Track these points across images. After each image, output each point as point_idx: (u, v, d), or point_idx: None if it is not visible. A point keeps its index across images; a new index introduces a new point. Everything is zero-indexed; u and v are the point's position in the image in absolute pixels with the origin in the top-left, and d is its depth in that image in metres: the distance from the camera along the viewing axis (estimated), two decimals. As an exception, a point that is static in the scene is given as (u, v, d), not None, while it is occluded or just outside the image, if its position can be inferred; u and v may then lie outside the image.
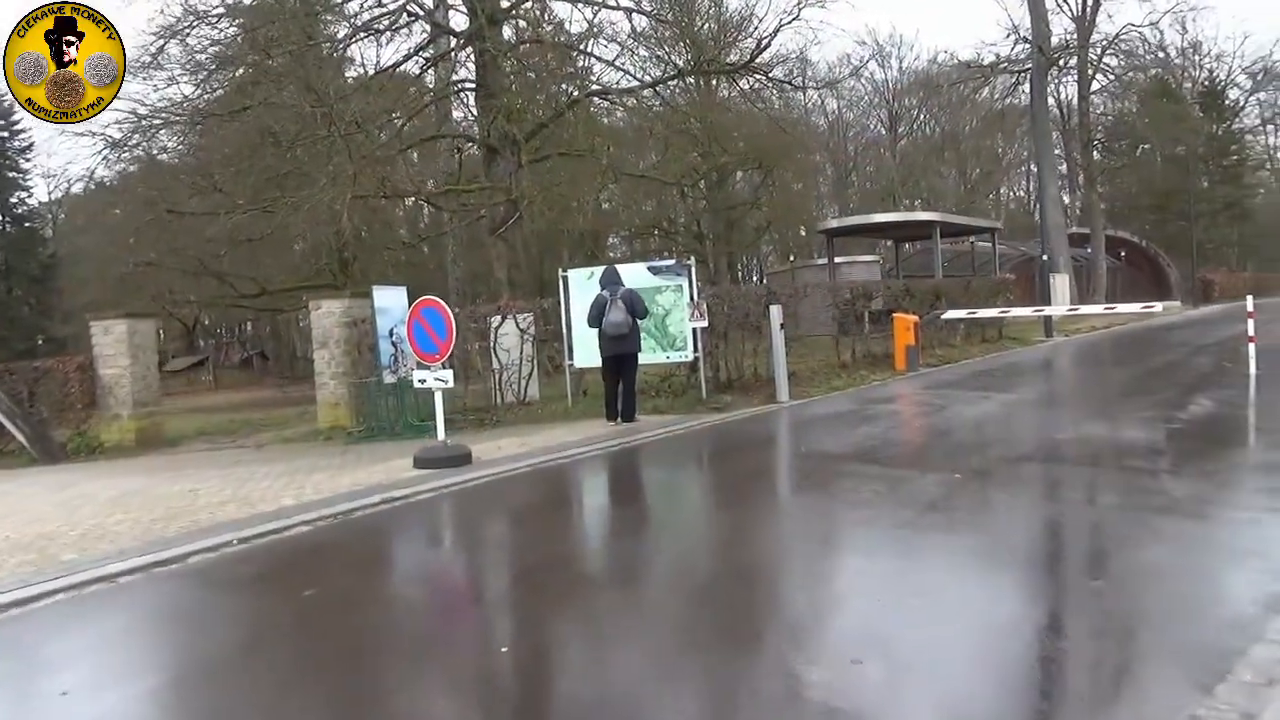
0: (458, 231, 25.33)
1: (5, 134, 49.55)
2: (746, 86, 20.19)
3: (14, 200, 50.97)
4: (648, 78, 19.01)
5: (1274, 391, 11.38)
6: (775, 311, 13.06)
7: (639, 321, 11.63)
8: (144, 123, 17.31)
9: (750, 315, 13.90)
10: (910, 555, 5.26)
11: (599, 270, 13.38)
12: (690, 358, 12.78)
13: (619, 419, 11.72)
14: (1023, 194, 69.26)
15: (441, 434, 9.52)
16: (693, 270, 12.71)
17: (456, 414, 13.22)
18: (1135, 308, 18.91)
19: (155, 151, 20.75)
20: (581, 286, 13.05)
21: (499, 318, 13.79)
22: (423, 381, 9.54)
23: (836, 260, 31.59)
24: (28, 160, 50.81)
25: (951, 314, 16.92)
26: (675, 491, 8.22)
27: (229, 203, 16.35)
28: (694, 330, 12.65)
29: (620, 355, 11.57)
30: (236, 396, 32.02)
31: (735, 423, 11.55)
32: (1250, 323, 13.62)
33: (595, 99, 19.70)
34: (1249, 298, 14.21)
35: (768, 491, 7.82)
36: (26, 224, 51.22)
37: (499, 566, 6.02)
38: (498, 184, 18.07)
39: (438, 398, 9.54)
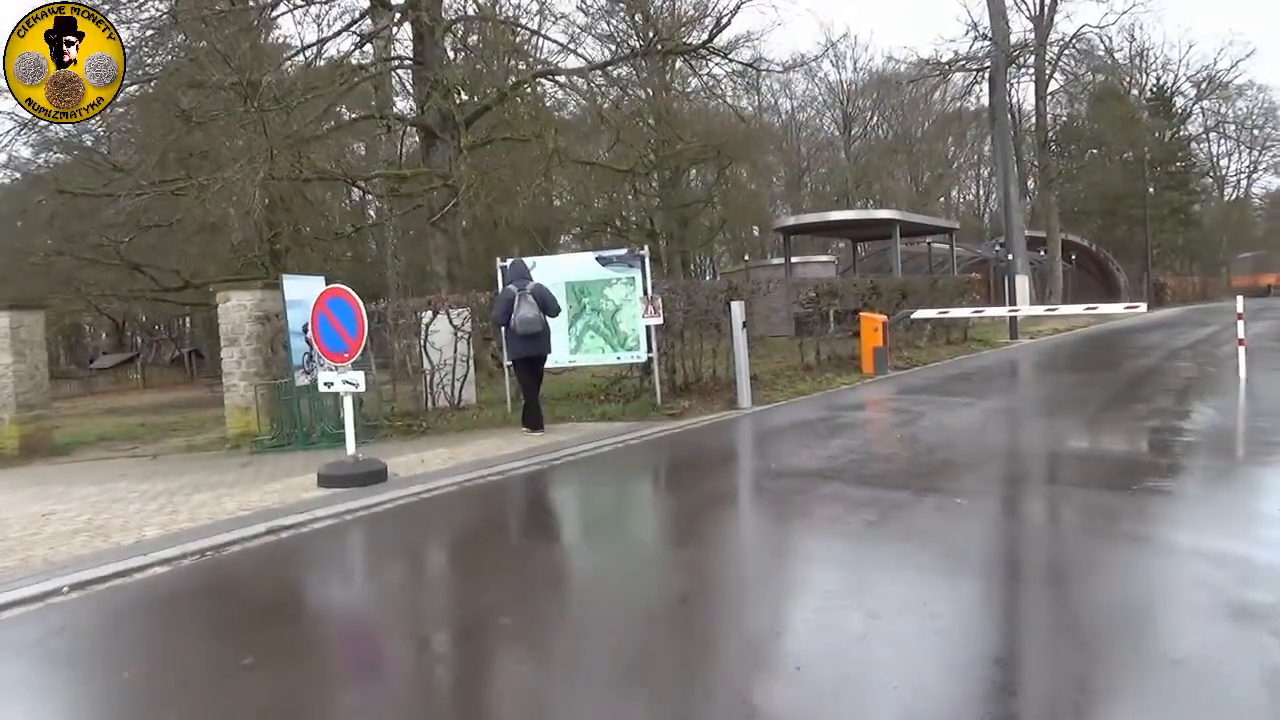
0: (397, 223, 23.71)
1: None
2: (705, 73, 18.91)
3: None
4: (600, 59, 17.65)
5: (1276, 399, 10.35)
6: (737, 308, 11.74)
7: (550, 319, 10.37)
8: None
9: (709, 312, 12.57)
10: (932, 616, 3.93)
11: (543, 260, 11.97)
12: (643, 359, 11.40)
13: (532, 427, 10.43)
14: (972, 197, 69.22)
15: (351, 446, 8.03)
16: (646, 261, 11.34)
17: (381, 420, 11.70)
18: (1118, 308, 17.97)
19: (74, 134, 18.92)
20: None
21: (430, 313, 12.28)
22: (329, 385, 8.04)
23: (792, 260, 30.46)
24: None
25: (922, 313, 15.78)
26: (623, 522, 6.83)
27: (130, 183, 14.64)
28: (647, 328, 11.28)
29: (534, 357, 10.33)
30: (162, 396, 30.01)
31: (694, 432, 10.20)
32: (1240, 324, 12.63)
33: (543, 83, 18.27)
34: (1239, 298, 13.26)
35: (735, 522, 6.46)
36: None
37: (395, 630, 4.58)
38: (436, 170, 16.55)
39: (347, 404, 8.05)
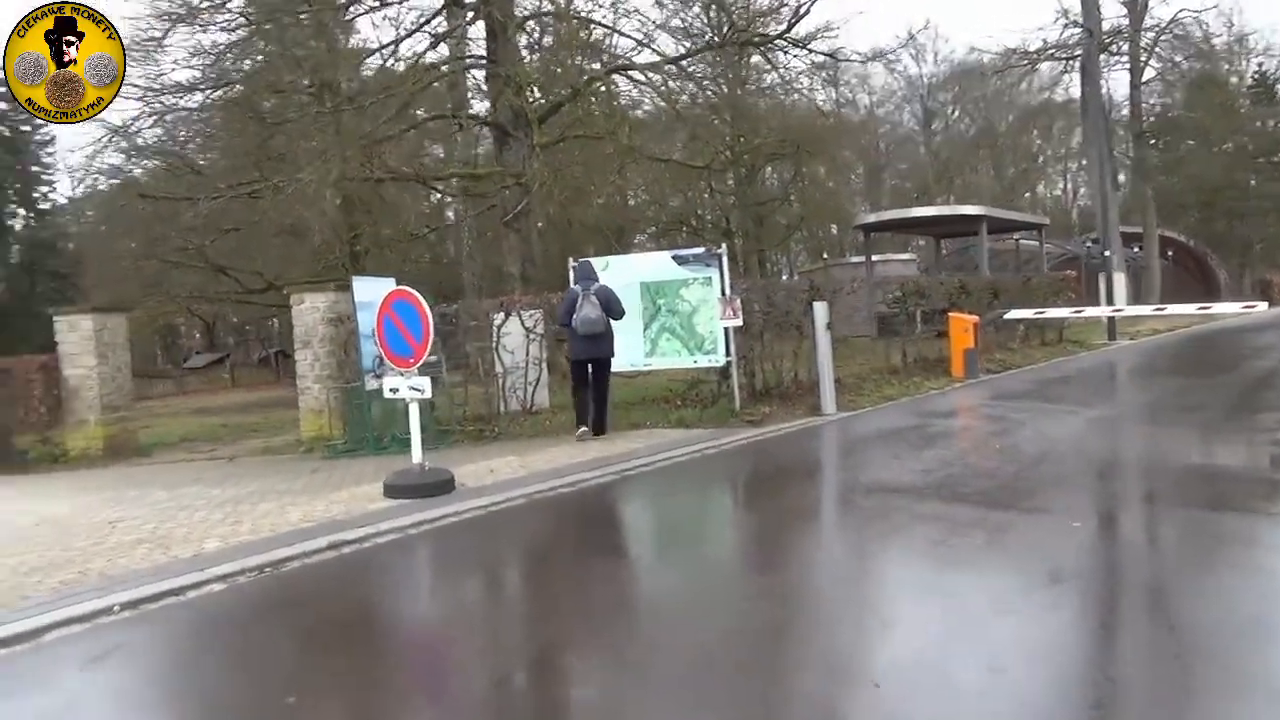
0: (473, 224, 23.57)
1: (27, 128, 48.50)
2: (783, 66, 18.27)
3: (36, 195, 49.95)
4: (675, 54, 17.12)
5: None
6: (820, 309, 11.13)
7: (613, 323, 10.05)
8: (148, 105, 15.65)
9: (790, 313, 11.96)
10: (1059, 666, 3.33)
11: (613, 260, 11.52)
12: (721, 362, 10.87)
13: (589, 430, 10.10)
14: (1059, 193, 66.73)
15: (417, 454, 7.68)
16: (724, 260, 10.80)
17: (452, 425, 11.39)
18: (1234, 307, 16.77)
19: (164, 139, 19.18)
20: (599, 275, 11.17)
21: (501, 314, 11.95)
22: (394, 391, 7.71)
23: (873, 259, 29.54)
24: (49, 155, 49.62)
25: (1016, 314, 14.91)
26: (700, 542, 6.31)
27: (208, 186, 14.68)
28: (726, 330, 10.74)
29: (596, 359, 10.04)
30: (249, 396, 30.57)
31: (775, 440, 9.63)
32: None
33: (617, 81, 17.81)
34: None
35: (824, 545, 5.89)
36: (49, 218, 49.99)
37: (458, 657, 4.16)
38: (508, 169, 16.26)
39: (413, 411, 7.70)
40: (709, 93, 20.19)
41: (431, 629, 4.73)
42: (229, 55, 15.97)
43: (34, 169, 48.80)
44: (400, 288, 7.81)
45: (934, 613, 4.17)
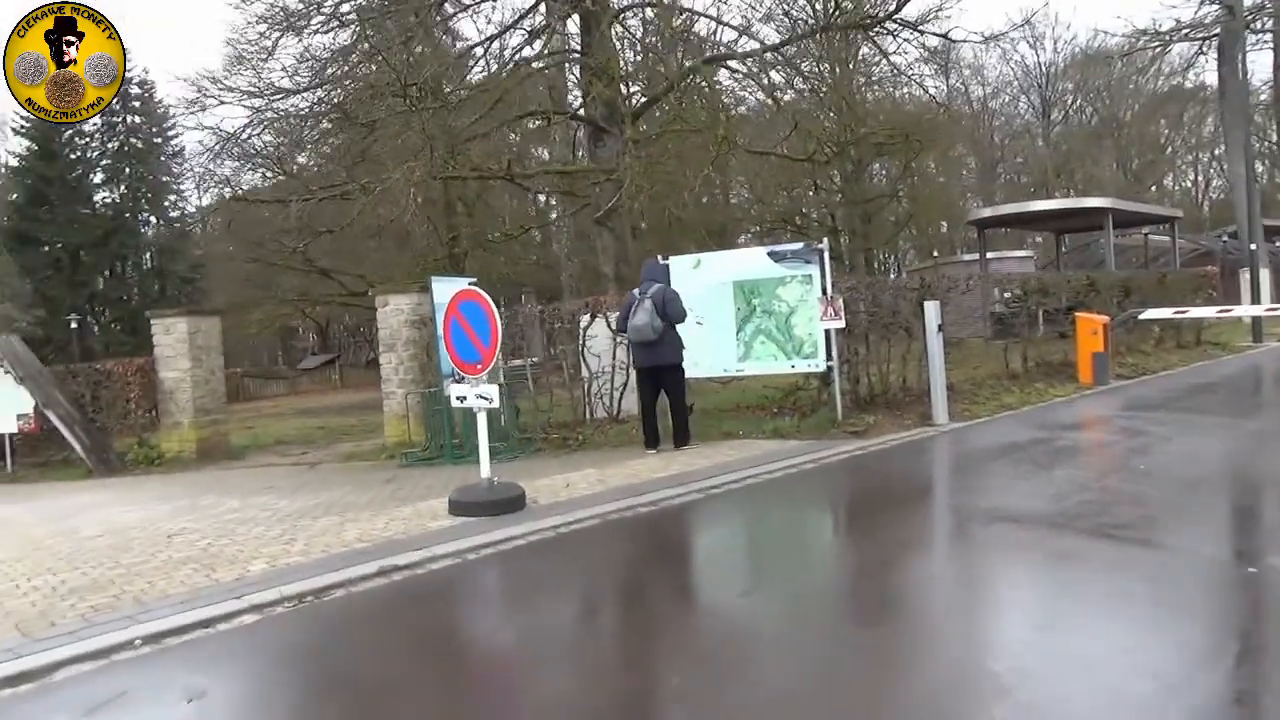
0: (569, 224, 23.13)
1: (159, 140, 50.66)
2: (893, 52, 17.11)
3: (166, 204, 52.15)
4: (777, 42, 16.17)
5: None
6: (931, 309, 10.10)
7: (674, 326, 9.21)
8: (256, 114, 15.61)
9: (898, 313, 10.94)
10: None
11: (708, 257, 10.73)
12: (822, 367, 9.94)
13: (658, 446, 9.32)
14: (1189, 184, 62.57)
15: (485, 468, 7.05)
16: (825, 255, 9.87)
17: (536, 433, 10.78)
18: None
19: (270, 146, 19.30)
20: (686, 277, 10.40)
21: (588, 316, 11.29)
22: (461, 399, 7.10)
23: (988, 256, 27.90)
24: (179, 164, 51.66)
25: (1153, 313, 13.46)
26: (793, 578, 5.46)
27: (300, 188, 14.53)
28: (827, 332, 9.81)
29: (654, 367, 9.25)
30: (354, 397, 30.86)
31: (881, 455, 8.67)
32: None
33: (719, 75, 16.98)
34: None
35: (939, 588, 4.96)
36: (177, 226, 52.11)
37: (508, 710, 3.47)
38: (602, 165, 15.63)
39: (481, 421, 7.08)
40: (814, 84, 19.14)
41: (480, 676, 4.05)
42: (334, 62, 15.86)
43: (164, 179, 51.02)
44: (468, 287, 7.20)
45: (1079, 691, 3.24)
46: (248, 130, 16.79)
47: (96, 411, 13.62)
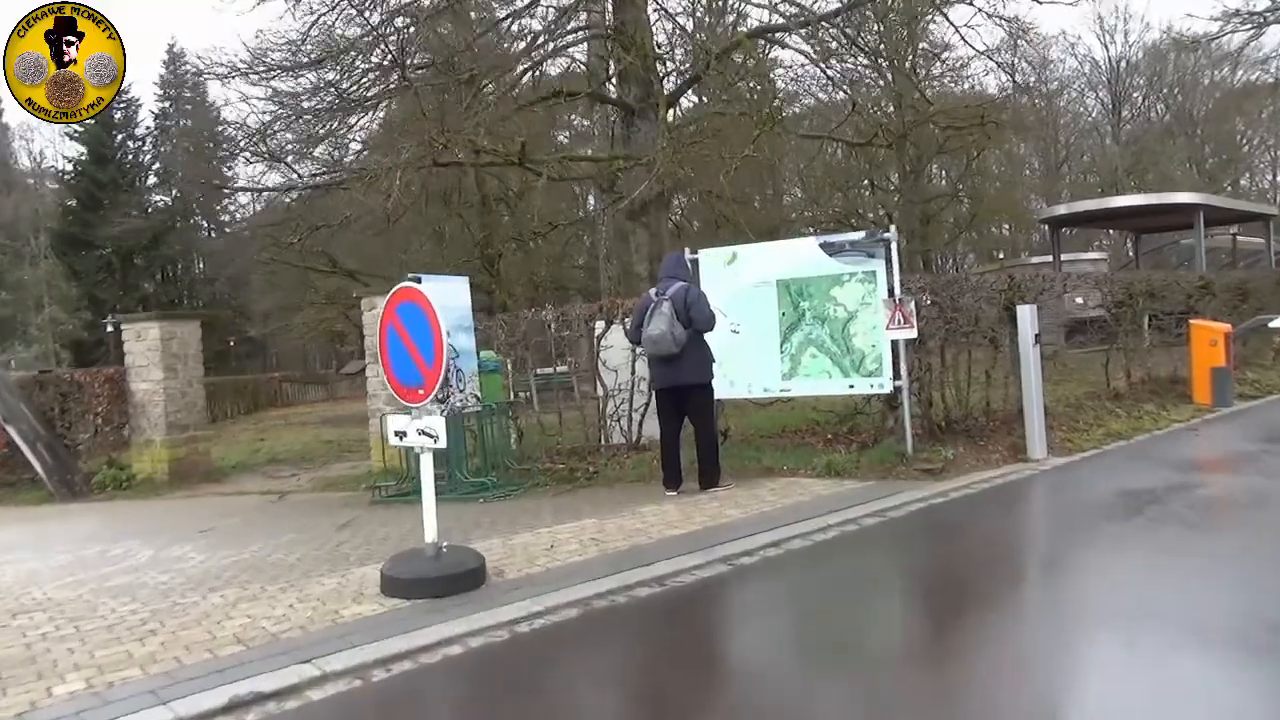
0: (606, 222, 21.19)
1: (210, 144, 49.97)
2: (962, 21, 14.83)
3: (218, 208, 51.45)
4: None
5: None
6: (1026, 315, 7.93)
7: (701, 335, 7.20)
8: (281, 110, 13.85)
9: (980, 320, 8.75)
10: None
11: (746, 250, 8.67)
12: (887, 387, 7.80)
13: (680, 487, 7.31)
14: (1265, 184, 58.58)
15: (431, 532, 5.09)
16: (892, 247, 7.74)
17: (536, 466, 8.82)
18: None
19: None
20: (718, 275, 8.36)
21: (602, 323, 9.31)
22: (400, 436, 5.16)
23: (1061, 257, 25.37)
24: (230, 170, 50.87)
25: (1287, 321, 11.08)
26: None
27: (289, 178, 12.88)
28: (893, 344, 7.70)
29: (675, 388, 7.19)
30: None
31: (966, 506, 6.53)
32: None
33: (758, 48, 14.89)
34: None
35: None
36: (229, 230, 51.35)
37: None
38: (630, 152, 13.67)
39: (425, 465, 5.13)
40: (873, 60, 16.88)
41: None
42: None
43: (215, 183, 50.30)
44: (405, 284, 5.24)
45: None
46: (270, 126, 15.21)
47: (66, 427, 12.02)
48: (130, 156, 47.36)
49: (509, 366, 10.18)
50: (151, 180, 48.54)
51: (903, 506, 6.45)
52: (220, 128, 45.83)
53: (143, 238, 44.48)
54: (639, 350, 8.10)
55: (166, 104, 48.78)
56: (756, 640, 4.37)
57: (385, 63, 12.21)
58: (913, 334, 7.62)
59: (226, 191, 48.26)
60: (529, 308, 12.45)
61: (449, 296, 8.72)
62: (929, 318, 8.18)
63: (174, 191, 49.17)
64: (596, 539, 5.92)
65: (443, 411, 8.32)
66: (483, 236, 23.40)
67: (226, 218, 52.25)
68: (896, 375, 7.72)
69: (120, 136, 46.62)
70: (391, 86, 11.12)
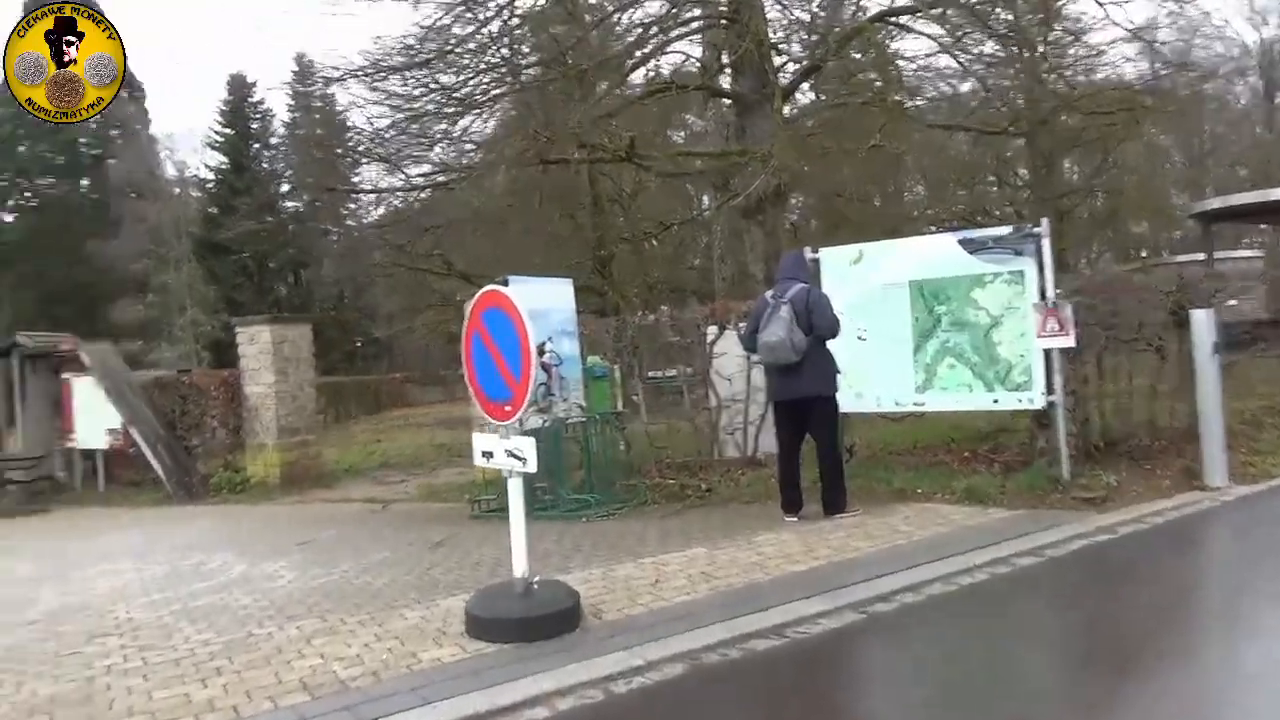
0: (720, 222, 20.46)
1: (339, 150, 51.54)
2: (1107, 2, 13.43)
3: (344, 212, 53.00)
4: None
5: None
6: (1203, 321, 6.85)
7: (824, 342, 6.40)
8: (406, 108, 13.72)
9: (1144, 326, 7.65)
10: None
11: (874, 248, 7.82)
12: (1039, 403, 6.84)
13: (801, 511, 6.53)
14: None
15: (520, 563, 4.52)
16: (1045, 243, 6.77)
17: (641, 483, 8.19)
18: None
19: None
20: (843, 276, 7.56)
21: (714, 327, 8.61)
22: (487, 456, 4.61)
23: (1214, 255, 23.23)
24: (356, 175, 52.34)
25: None
26: None
27: (406, 180, 12.67)
28: (1046, 354, 6.74)
29: (795, 401, 6.42)
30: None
31: (1137, 544, 5.56)
32: None
33: (883, 32, 13.87)
34: None
35: None
36: (356, 235, 52.83)
37: None
38: (745, 147, 12.92)
39: (513, 491, 4.56)
40: (1005, 43, 15.64)
41: None
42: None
43: (327, 185, 51.88)
44: (493, 288, 4.68)
45: None
46: (386, 130, 15.13)
47: (186, 429, 12.10)
48: (265, 165, 49.29)
49: (617, 373, 9.62)
50: (284, 187, 50.30)
51: (1063, 544, 5.54)
52: (348, 135, 47.49)
53: (275, 242, 46.20)
54: (754, 358, 7.36)
55: (297, 114, 50.51)
56: (895, 713, 3.61)
57: (496, 60, 11.82)
58: (1070, 342, 6.65)
59: (351, 195, 49.79)
60: (642, 310, 11.90)
61: (552, 299, 8.22)
62: (1084, 323, 7.16)
63: (304, 197, 50.91)
64: (707, 573, 5.24)
65: (545, 422, 7.90)
66: (596, 238, 22.97)
67: (353, 222, 53.91)
68: (1050, 389, 6.76)
69: (256, 146, 48.59)
70: (504, 87, 10.70)
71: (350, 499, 10.13)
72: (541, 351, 7.86)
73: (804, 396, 6.37)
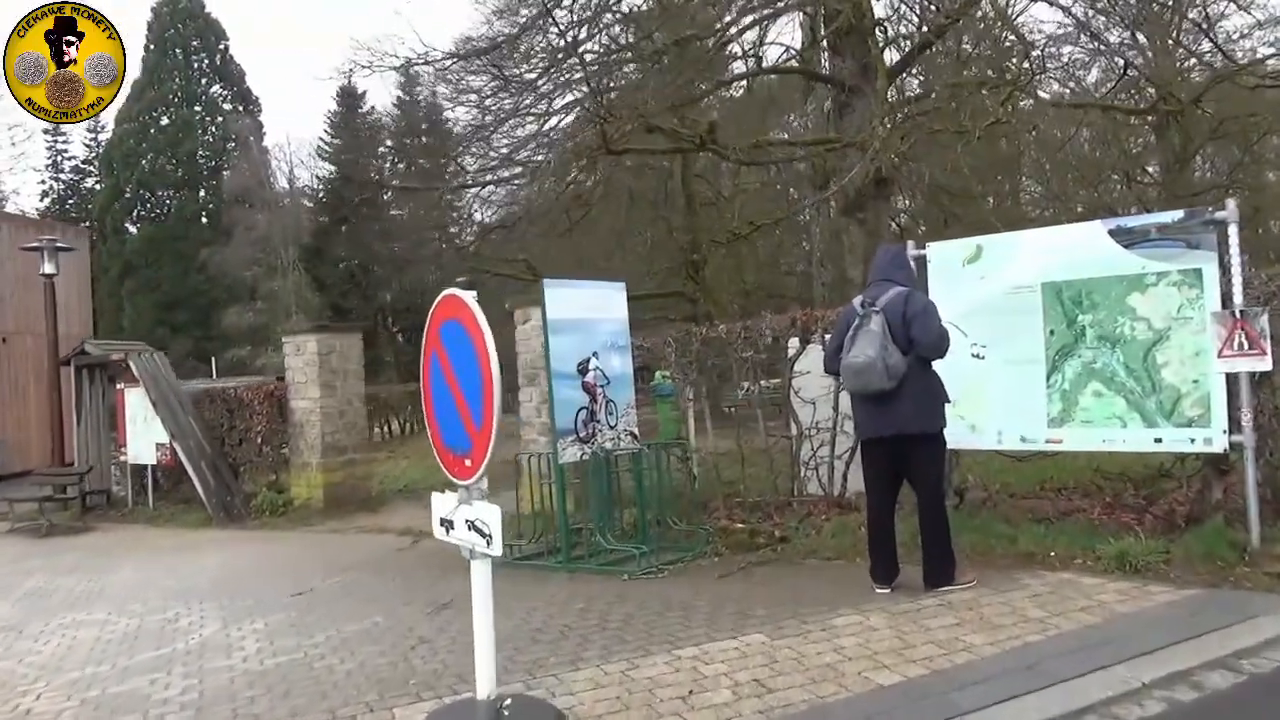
0: (819, 221, 18.96)
1: (444, 161, 51.77)
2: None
3: (447, 220, 53.18)
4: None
5: None
6: None
7: (928, 363, 4.91)
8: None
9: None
10: None
11: (994, 241, 6.21)
12: (1218, 444, 5.13)
13: (894, 581, 5.02)
14: None
15: (485, 680, 3.19)
16: (1231, 232, 5.06)
17: (701, 526, 6.77)
18: None
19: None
20: (954, 278, 5.99)
21: (797, 340, 7.13)
22: (446, 525, 3.29)
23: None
24: (459, 201, 52.48)
25: None
26: None
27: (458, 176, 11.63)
28: (1227, 380, 5.04)
29: (888, 439, 4.91)
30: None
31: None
32: None
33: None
34: None
35: None
36: (457, 240, 52.90)
37: None
38: (847, 136, 11.36)
39: (476, 576, 3.23)
40: (1135, 37, 13.70)
41: None
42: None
43: (447, 197, 52.09)
44: (453, 292, 3.32)
45: None
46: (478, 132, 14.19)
47: (234, 445, 11.29)
48: (373, 175, 49.78)
49: (690, 394, 8.25)
50: (387, 195, 50.75)
51: (1267, 651, 3.89)
52: (451, 146, 47.48)
53: (382, 249, 46.52)
54: (841, 382, 5.85)
55: (402, 123, 50.90)
56: None
57: (560, 45, 10.63)
58: (1265, 365, 4.93)
59: (451, 205, 49.95)
60: (740, 318, 10.60)
61: (600, 307, 6.94)
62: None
63: (409, 204, 51.26)
64: (760, 680, 3.80)
65: (583, 455, 6.58)
66: (687, 241, 21.63)
67: (455, 229, 54.03)
68: (1235, 427, 5.04)
69: (365, 155, 49.14)
70: (575, 76, 9.52)
71: (386, 529, 9.03)
72: (585, 370, 6.56)
73: (901, 434, 4.85)
